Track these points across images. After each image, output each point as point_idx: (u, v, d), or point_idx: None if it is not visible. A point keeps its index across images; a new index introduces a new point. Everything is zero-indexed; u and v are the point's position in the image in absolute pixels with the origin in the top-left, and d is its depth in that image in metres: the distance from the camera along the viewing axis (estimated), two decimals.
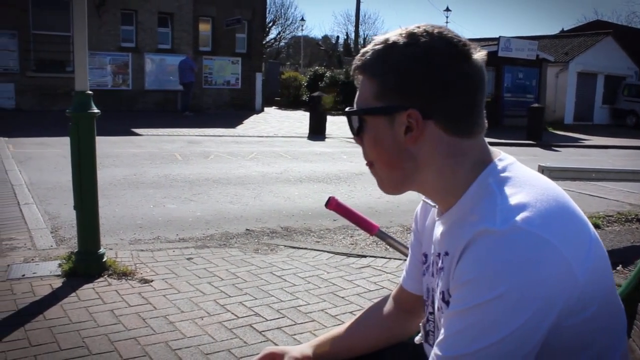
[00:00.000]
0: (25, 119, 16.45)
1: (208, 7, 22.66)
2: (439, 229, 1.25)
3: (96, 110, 4.47)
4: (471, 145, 1.17)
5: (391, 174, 1.22)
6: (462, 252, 1.09)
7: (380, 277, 4.83)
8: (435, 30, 1.16)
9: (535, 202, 1.08)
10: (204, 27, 23.17)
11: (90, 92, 4.44)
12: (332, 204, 1.93)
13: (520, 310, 1.01)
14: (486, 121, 1.21)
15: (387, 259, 5.35)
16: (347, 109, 1.31)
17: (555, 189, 1.15)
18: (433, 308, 1.31)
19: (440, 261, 1.21)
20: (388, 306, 1.62)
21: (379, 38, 1.20)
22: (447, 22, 75.90)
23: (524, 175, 1.16)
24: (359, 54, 1.23)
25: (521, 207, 1.07)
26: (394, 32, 1.18)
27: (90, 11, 19.10)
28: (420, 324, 1.45)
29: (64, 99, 19.41)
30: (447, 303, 1.15)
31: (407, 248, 2.28)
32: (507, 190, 1.11)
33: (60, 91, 19.58)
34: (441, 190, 1.20)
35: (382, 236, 2.07)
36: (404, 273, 1.59)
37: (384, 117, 1.18)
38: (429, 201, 1.38)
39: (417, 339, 1.51)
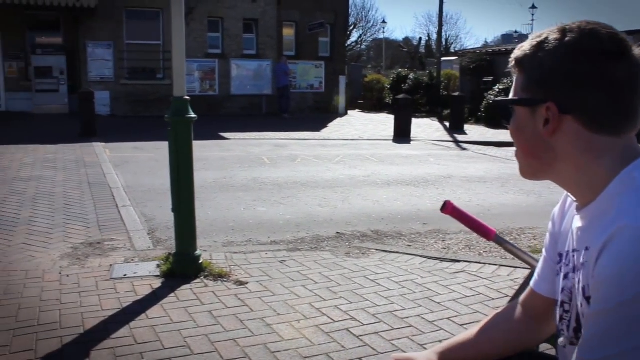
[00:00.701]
0: (120, 125, 17.15)
1: (291, 12, 22.93)
2: (577, 224, 1.25)
3: (193, 115, 4.57)
4: (615, 142, 1.16)
5: (529, 161, 1.26)
6: (602, 248, 1.07)
7: (476, 283, 4.70)
8: (589, 27, 1.16)
9: None
10: (288, 32, 23.46)
11: (187, 98, 4.54)
12: (448, 208, 1.87)
13: None
14: None
15: (482, 264, 5.20)
16: (496, 99, 1.35)
17: None
18: (570, 307, 1.29)
19: (581, 257, 1.20)
20: (517, 312, 1.58)
21: (535, 33, 1.25)
22: (532, 20, 73.76)
23: None
24: (517, 48, 1.26)
25: None
26: (551, 28, 1.21)
27: None
28: (561, 327, 1.39)
29: (155, 105, 20.14)
30: (588, 300, 1.13)
31: (526, 254, 2.19)
32: None
33: (151, 97, 20.32)
34: (580, 184, 1.21)
35: (500, 241, 1.98)
36: (535, 276, 1.53)
37: (527, 108, 1.22)
38: (570, 195, 1.37)
39: (561, 341, 1.44)
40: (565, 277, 1.30)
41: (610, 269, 1.03)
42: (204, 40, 21.02)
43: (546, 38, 1.19)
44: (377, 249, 5.64)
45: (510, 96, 1.28)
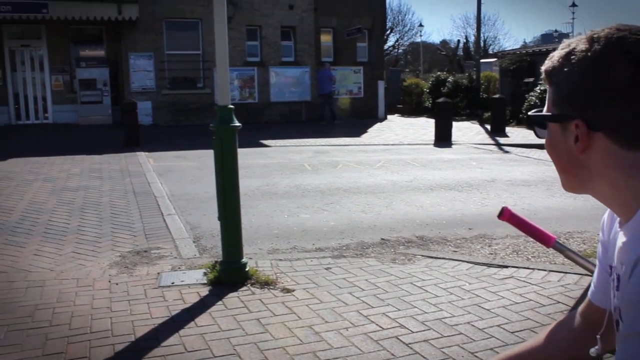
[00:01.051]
0: (162, 134, 17.41)
1: (329, 18, 22.98)
2: (621, 239, 1.19)
3: (238, 124, 4.60)
4: None
5: (566, 177, 1.21)
6: (632, 268, 1.02)
7: (526, 289, 4.61)
8: (617, 35, 1.07)
9: None
10: (326, 38, 23.51)
11: (231, 107, 4.58)
12: (506, 215, 1.83)
13: None
14: None
15: (531, 270, 5.10)
16: (529, 113, 1.28)
17: None
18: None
19: (619, 274, 1.14)
20: (576, 323, 1.52)
21: (564, 42, 1.17)
22: (573, 19, 72.46)
23: None
24: (547, 58, 1.19)
25: None
26: (579, 37, 1.14)
27: None
28: (598, 336, 1.35)
29: (195, 113, 20.41)
30: (617, 322, 1.10)
31: (588, 261, 2.13)
32: None
33: (192, 106, 20.59)
34: (617, 201, 1.16)
35: (560, 248, 1.94)
36: (591, 286, 1.48)
37: (558, 124, 1.16)
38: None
39: (592, 351, 1.40)
40: (612, 291, 1.27)
41: (636, 293, 0.99)
42: (243, 48, 21.22)
43: (573, 49, 1.12)
44: (422, 255, 5.59)
45: (545, 109, 1.23)
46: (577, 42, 1.12)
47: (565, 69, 1.12)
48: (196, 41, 20.91)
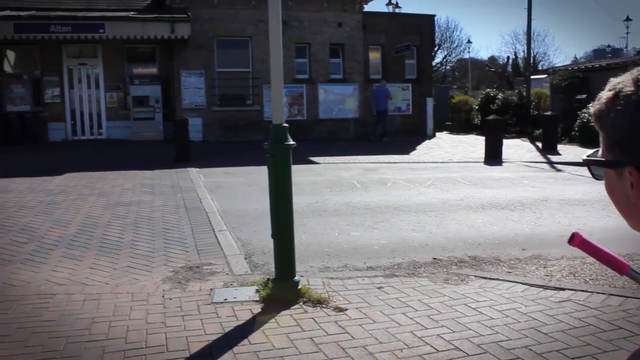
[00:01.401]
0: (211, 150, 17.65)
1: (377, 35, 23.01)
2: None
3: (292, 142, 4.63)
4: None
5: (628, 220, 1.17)
6: None
7: (585, 313, 4.48)
8: None
9: None
10: (374, 55, 23.52)
11: (286, 125, 4.61)
12: (577, 241, 1.77)
13: None
14: None
15: (589, 293, 4.96)
16: (582, 158, 1.22)
17: None
18: None
19: None
20: None
21: (611, 82, 1.11)
22: (627, 33, 70.76)
23: None
24: (595, 100, 1.13)
25: None
26: (624, 76, 1.08)
27: (267, 48, 20.13)
28: None
29: (244, 130, 20.66)
30: None
31: None
32: None
33: (241, 123, 20.84)
34: None
35: (636, 276, 1.87)
36: None
37: (613, 170, 1.11)
38: None
39: None
40: None
41: None
42: (292, 65, 21.40)
43: (619, 91, 1.06)
44: (476, 276, 5.50)
45: (599, 153, 1.18)
46: (623, 84, 1.06)
47: (612, 114, 1.07)
48: (246, 59, 21.20)
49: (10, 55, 20.52)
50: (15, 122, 19.40)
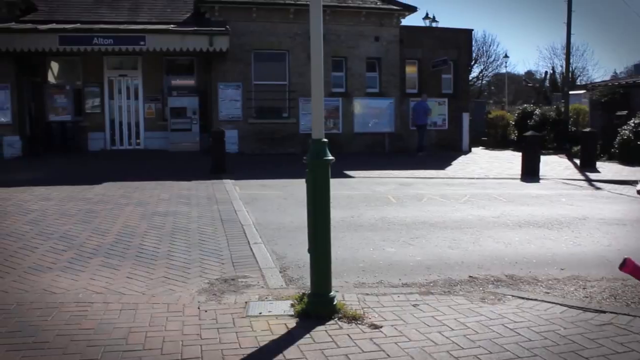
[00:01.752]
0: (247, 162, 17.78)
1: (414, 50, 22.96)
2: None
3: (331, 157, 4.64)
4: None
5: None
6: None
7: (627, 338, 4.36)
8: None
9: None
10: (411, 70, 23.47)
11: (325, 140, 4.62)
12: (629, 267, 1.75)
13: None
14: None
15: (632, 317, 4.83)
16: (638, 189, 1.20)
17: None
18: None
19: None
20: None
21: None
22: None
23: None
24: None
25: None
26: None
27: (303, 61, 20.44)
28: None
29: (280, 142, 20.77)
30: None
31: None
32: None
33: (277, 135, 20.96)
34: None
35: None
36: None
37: None
38: None
39: None
40: None
41: None
42: (328, 79, 21.45)
43: None
44: (513, 295, 5.42)
45: None
46: None
47: None
48: (283, 72, 21.36)
49: (54, 66, 21.05)
50: (57, 131, 19.90)
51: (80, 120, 20.27)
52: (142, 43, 18.67)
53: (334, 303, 4.74)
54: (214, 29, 19.46)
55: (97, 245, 7.16)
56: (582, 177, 15.88)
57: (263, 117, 21.11)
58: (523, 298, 5.34)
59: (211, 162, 15.01)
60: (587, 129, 20.30)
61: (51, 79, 20.91)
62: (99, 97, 20.74)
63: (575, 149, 21.16)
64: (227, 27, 19.70)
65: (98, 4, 20.92)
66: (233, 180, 13.33)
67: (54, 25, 18.55)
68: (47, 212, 9.26)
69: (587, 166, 17.92)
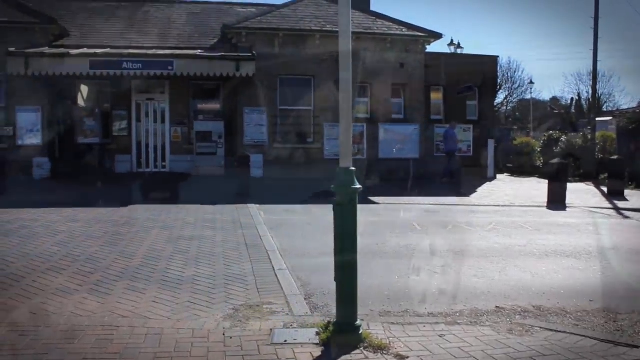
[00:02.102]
0: (272, 187, 17.82)
1: (439, 76, 22.99)
2: None
3: (358, 186, 4.65)
4: None
5: None
6: None
7: None
8: None
9: None
10: (436, 96, 23.50)
11: (353, 169, 4.63)
12: None
13: None
14: None
15: None
16: None
17: None
18: None
19: None
20: None
21: None
22: None
23: None
24: None
25: None
26: None
27: (329, 87, 20.58)
28: None
29: (304, 167, 20.80)
30: None
31: None
32: None
33: (301, 160, 21.03)
34: None
35: None
36: None
37: None
38: None
39: None
40: None
41: None
42: (353, 105, 21.54)
43: None
44: (541, 327, 5.34)
45: None
46: None
47: None
48: (308, 97, 21.49)
49: (84, 89, 21.41)
50: (85, 153, 20.19)
51: (108, 143, 20.55)
52: (170, 68, 18.95)
53: (360, 332, 4.71)
54: (240, 54, 19.69)
55: (123, 268, 7.21)
56: (610, 206, 15.66)
57: (288, 142, 21.21)
58: (552, 330, 5.25)
59: (236, 186, 15.08)
60: (615, 156, 20.07)
61: (80, 102, 21.25)
62: (126, 120, 21.02)
63: (603, 176, 20.91)
64: (254, 52, 19.92)
65: (128, 30, 21.32)
66: (258, 205, 13.36)
67: (85, 50, 18.94)
68: (74, 233, 9.37)
69: (614, 194, 17.67)
